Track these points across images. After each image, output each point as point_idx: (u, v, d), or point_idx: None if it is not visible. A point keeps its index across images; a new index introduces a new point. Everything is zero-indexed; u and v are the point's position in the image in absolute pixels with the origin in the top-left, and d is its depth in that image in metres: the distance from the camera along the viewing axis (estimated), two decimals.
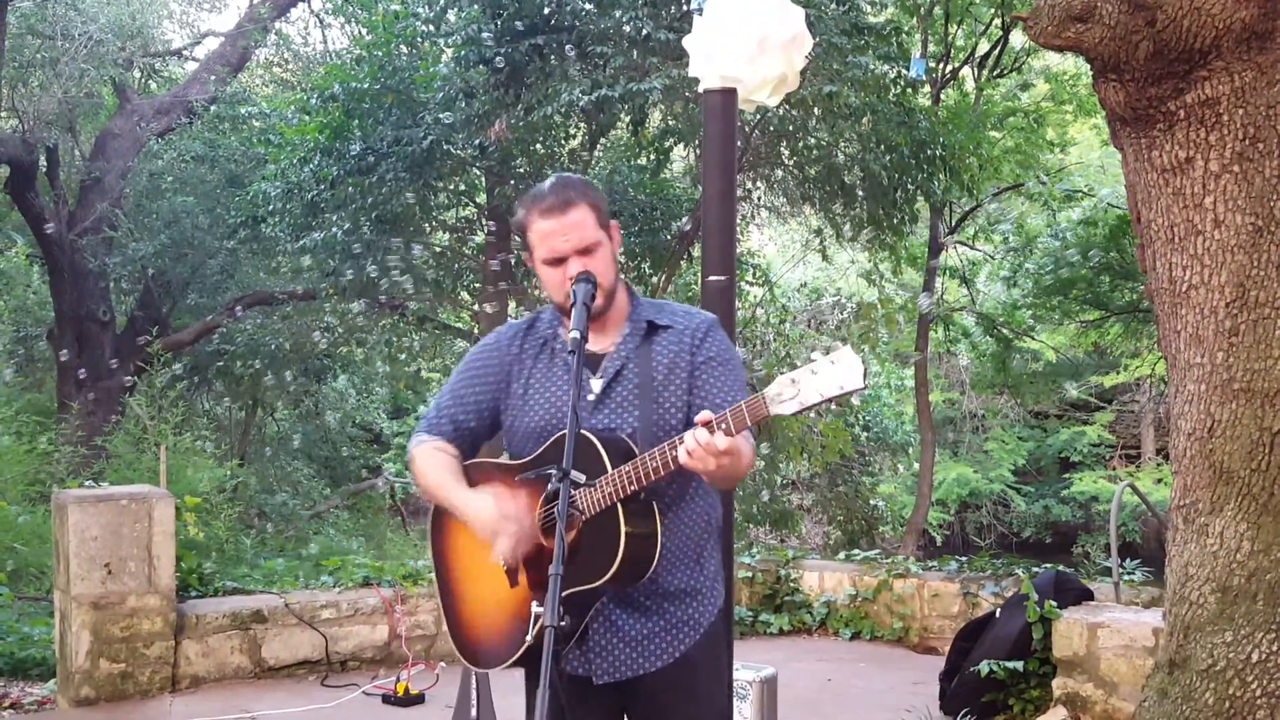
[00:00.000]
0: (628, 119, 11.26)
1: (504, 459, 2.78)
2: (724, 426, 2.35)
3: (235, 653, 6.42)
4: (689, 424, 2.61)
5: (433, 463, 2.74)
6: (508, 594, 2.64)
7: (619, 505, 2.49)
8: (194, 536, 7.80)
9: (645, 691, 2.67)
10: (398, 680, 6.13)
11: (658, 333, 2.71)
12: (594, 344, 2.69)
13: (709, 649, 2.71)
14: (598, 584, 2.52)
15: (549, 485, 2.44)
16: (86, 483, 7.52)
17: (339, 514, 16.57)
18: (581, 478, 2.43)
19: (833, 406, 2.32)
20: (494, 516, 2.57)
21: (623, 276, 2.78)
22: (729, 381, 2.67)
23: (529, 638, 2.36)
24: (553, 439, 2.62)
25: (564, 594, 2.31)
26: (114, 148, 15.38)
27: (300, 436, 18.35)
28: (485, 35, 10.46)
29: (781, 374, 2.36)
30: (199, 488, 9.84)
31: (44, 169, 15.03)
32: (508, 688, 4.75)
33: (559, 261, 2.63)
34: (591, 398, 2.66)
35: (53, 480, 10.90)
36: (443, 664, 6.62)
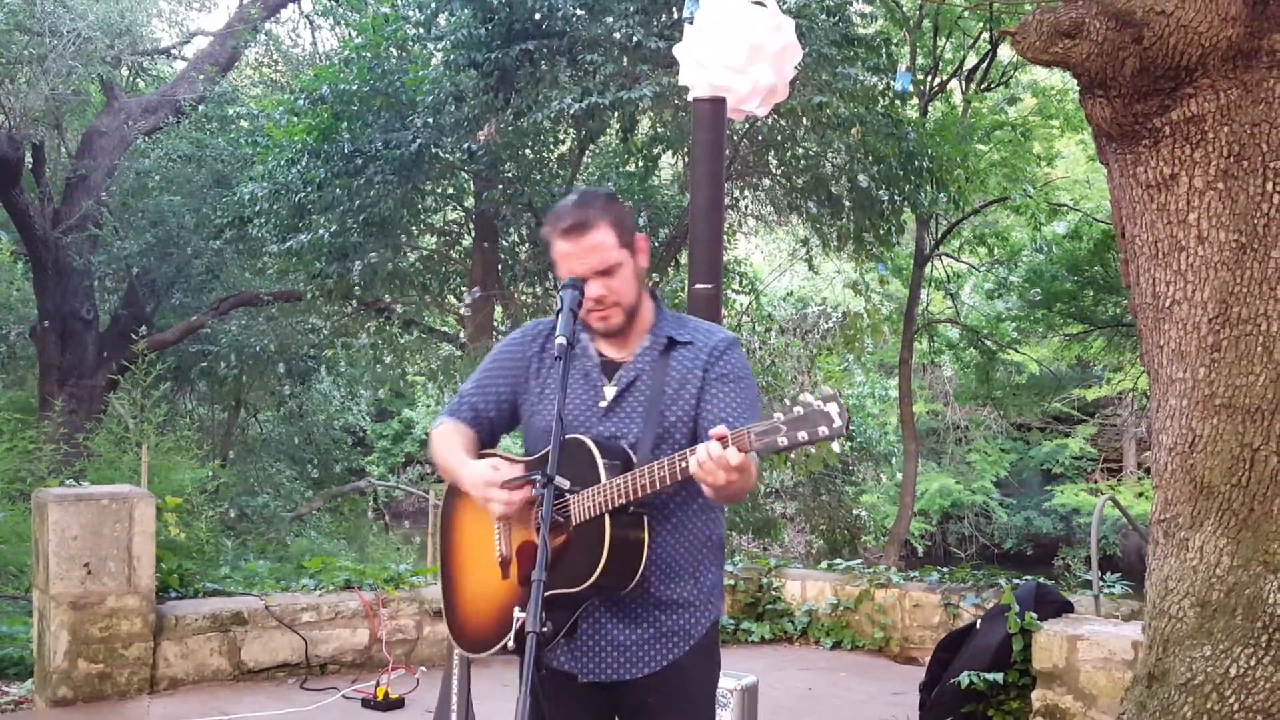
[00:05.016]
0: (617, 126, 11.27)
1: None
2: (739, 443, 2.37)
3: (214, 655, 6.38)
4: (694, 439, 2.65)
5: (446, 439, 2.83)
6: (500, 584, 2.68)
7: (608, 516, 2.51)
8: (175, 537, 7.76)
9: (632, 694, 2.70)
10: (377, 684, 6.10)
11: (676, 348, 2.75)
12: (614, 353, 2.76)
13: (700, 658, 2.74)
14: (579, 589, 2.55)
15: (533, 490, 2.48)
16: (67, 481, 7.47)
17: (321, 516, 16.52)
18: (565, 483, 2.47)
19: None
20: (484, 478, 2.62)
21: (650, 289, 2.82)
22: (738, 399, 2.69)
23: (510, 643, 2.38)
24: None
25: (548, 594, 2.35)
26: (100, 146, 15.34)
27: (283, 438, 18.29)
28: (477, 36, 10.46)
29: (781, 409, 2.39)
30: (180, 488, 9.78)
31: (30, 166, 14.97)
32: (488, 693, 4.75)
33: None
34: (604, 404, 2.71)
35: (33, 478, 10.83)
36: (423, 668, 6.60)
